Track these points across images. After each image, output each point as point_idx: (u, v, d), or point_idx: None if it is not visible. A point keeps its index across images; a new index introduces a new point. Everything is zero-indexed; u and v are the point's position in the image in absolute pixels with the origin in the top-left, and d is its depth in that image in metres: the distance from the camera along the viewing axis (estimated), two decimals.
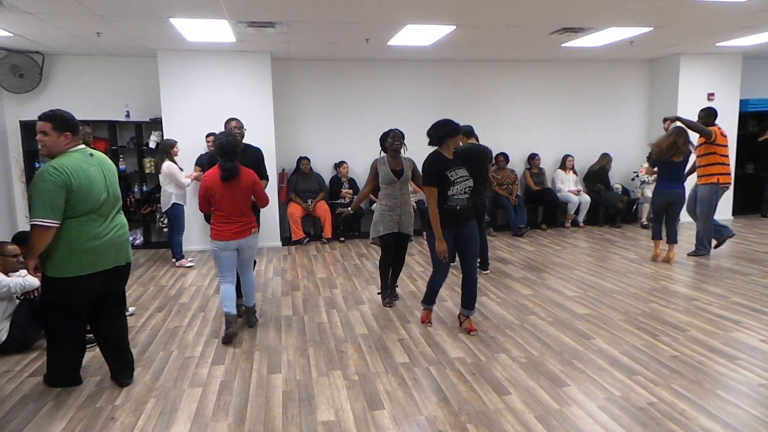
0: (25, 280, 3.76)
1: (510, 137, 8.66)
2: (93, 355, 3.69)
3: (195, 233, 7.30)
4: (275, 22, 5.56)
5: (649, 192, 8.31)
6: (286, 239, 7.82)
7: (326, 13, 5.24)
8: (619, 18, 5.81)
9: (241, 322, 4.34)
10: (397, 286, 5.07)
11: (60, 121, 2.92)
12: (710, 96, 8.46)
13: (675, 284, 5.32)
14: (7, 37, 6.11)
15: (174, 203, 6.28)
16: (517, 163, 8.72)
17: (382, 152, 4.78)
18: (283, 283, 5.72)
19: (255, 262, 4.83)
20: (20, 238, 4.16)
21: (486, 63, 8.55)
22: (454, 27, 5.99)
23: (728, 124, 7.93)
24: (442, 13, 5.37)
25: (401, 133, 4.70)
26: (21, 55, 6.99)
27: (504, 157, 8.32)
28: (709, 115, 6.25)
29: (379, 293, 5.01)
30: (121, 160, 7.48)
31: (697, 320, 4.30)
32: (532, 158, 8.69)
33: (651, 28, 6.38)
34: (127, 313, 4.62)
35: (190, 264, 6.52)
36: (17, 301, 3.82)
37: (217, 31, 5.90)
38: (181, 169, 6.36)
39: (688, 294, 5.00)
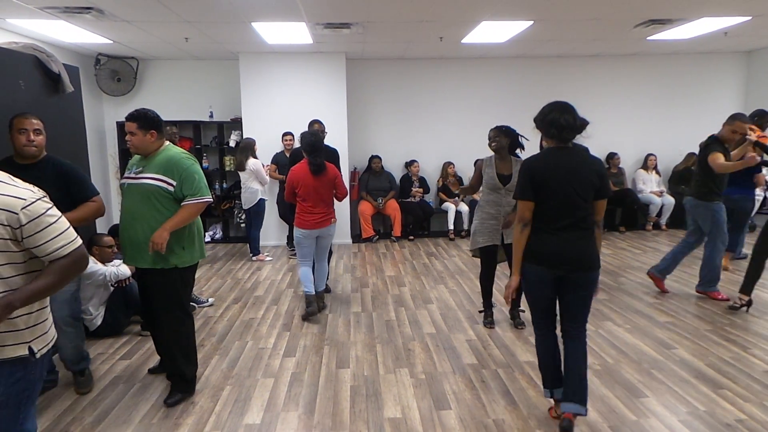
0: (119, 269, 4.07)
1: (587, 135, 8.29)
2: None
3: (271, 229, 7.58)
4: (351, 23, 5.67)
5: None
6: (357, 236, 7.95)
7: (402, 12, 5.27)
8: (714, 7, 5.41)
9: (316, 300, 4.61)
10: (522, 311, 4.33)
11: (144, 120, 2.98)
12: None
13: (765, 292, 4.91)
14: (107, 44, 6.63)
15: (260, 199, 6.58)
16: None
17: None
18: (352, 279, 5.82)
19: (331, 252, 5.18)
20: (116, 230, 4.51)
21: (563, 59, 8.26)
22: (532, 22, 5.83)
23: None
24: (519, 8, 5.24)
25: (503, 128, 4.06)
26: (119, 60, 7.56)
27: None
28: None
29: (481, 311, 4.44)
30: (204, 158, 7.91)
31: None
32: (611, 158, 8.30)
33: (749, 18, 5.89)
34: (206, 304, 4.92)
35: (269, 259, 6.80)
36: (111, 289, 4.14)
37: (295, 33, 6.09)
38: (264, 165, 6.65)
39: None
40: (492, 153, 4.13)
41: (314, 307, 4.50)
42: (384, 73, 8.17)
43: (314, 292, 4.56)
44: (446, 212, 7.96)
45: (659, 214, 8.13)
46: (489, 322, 4.29)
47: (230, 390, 3.28)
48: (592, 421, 2.83)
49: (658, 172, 8.32)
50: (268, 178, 6.66)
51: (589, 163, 2.74)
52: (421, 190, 8.05)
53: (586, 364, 2.72)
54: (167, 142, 3.11)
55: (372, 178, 7.97)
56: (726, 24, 6.16)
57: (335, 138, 6.84)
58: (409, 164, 8.17)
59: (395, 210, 7.83)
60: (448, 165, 8.14)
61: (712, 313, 4.44)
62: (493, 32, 6.26)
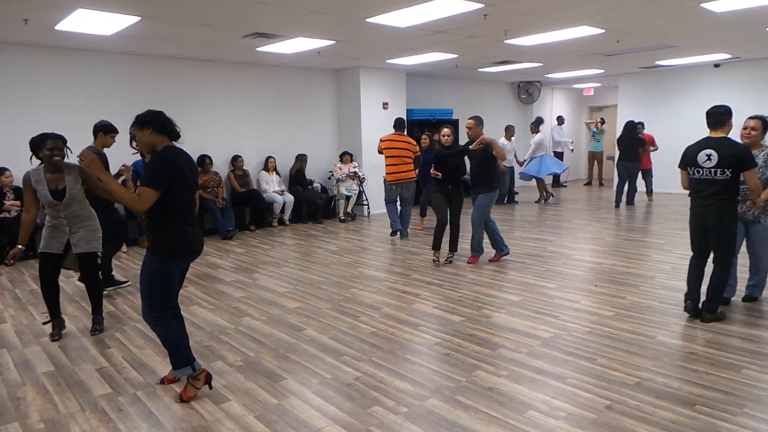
0: None
1: (212, 139, 8.46)
2: None
3: None
4: None
5: (343, 189, 9.23)
6: None
7: None
8: (306, 29, 6.26)
9: None
10: (102, 318, 4.27)
11: None
12: (385, 105, 9.86)
13: (369, 269, 6.04)
14: None
15: None
16: (221, 165, 8.56)
17: (35, 160, 3.87)
18: None
19: None
20: None
21: (184, 60, 8.14)
22: (139, 18, 5.50)
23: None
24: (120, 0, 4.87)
25: (64, 139, 3.87)
26: None
27: (208, 159, 8.08)
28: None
29: (46, 323, 4.16)
30: None
31: (387, 298, 4.97)
32: (235, 160, 8.67)
33: (333, 42, 7.06)
34: None
35: None
36: None
37: None
38: None
39: (379, 276, 5.73)
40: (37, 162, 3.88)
41: None
42: None
43: None
44: None
45: (282, 211, 8.95)
46: (56, 333, 4.09)
47: None
48: (237, 416, 2.89)
49: (278, 173, 9.14)
50: None
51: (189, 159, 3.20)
52: (17, 202, 6.65)
53: None
54: None
55: None
56: (318, 45, 7.21)
57: None
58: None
59: None
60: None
61: (331, 293, 5.17)
62: (95, 23, 5.65)
